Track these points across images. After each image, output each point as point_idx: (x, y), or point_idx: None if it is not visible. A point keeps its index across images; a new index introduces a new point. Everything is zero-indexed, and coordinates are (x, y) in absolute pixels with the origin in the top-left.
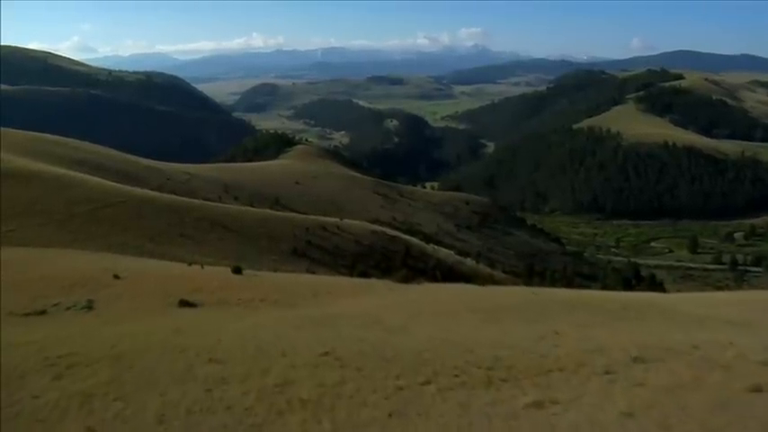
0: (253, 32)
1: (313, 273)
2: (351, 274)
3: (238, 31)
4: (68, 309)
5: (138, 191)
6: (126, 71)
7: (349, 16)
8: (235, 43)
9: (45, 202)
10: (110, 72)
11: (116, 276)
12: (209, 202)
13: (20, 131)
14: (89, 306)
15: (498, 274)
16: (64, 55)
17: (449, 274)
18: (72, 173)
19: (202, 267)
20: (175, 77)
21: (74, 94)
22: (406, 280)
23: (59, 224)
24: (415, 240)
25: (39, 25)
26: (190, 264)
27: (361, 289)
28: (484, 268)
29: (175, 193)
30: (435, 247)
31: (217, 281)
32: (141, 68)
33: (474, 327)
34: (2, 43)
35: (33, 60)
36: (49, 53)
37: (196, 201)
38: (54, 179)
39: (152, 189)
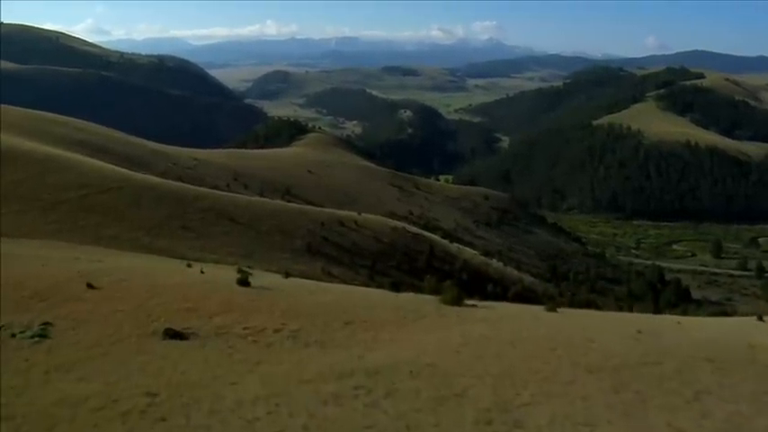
0: (267, 20)
1: (329, 273)
2: (371, 276)
3: (252, 18)
4: (15, 336)
5: (138, 176)
6: (138, 54)
7: (363, 6)
8: (248, 30)
9: (29, 186)
10: (121, 54)
11: (90, 285)
12: (216, 191)
13: (18, 108)
14: (43, 334)
15: (527, 277)
16: (77, 36)
17: (476, 276)
18: (67, 154)
19: (202, 272)
20: (187, 62)
21: (84, 74)
22: (458, 300)
23: (42, 212)
24: (438, 239)
25: (52, 6)
26: (189, 264)
27: (405, 313)
28: (511, 271)
29: (181, 180)
30: (460, 246)
31: (217, 296)
32: (155, 52)
33: (603, 409)
34: (13, 22)
35: (44, 40)
36: (61, 33)
37: (202, 189)
38: (43, 161)
39: (156, 174)
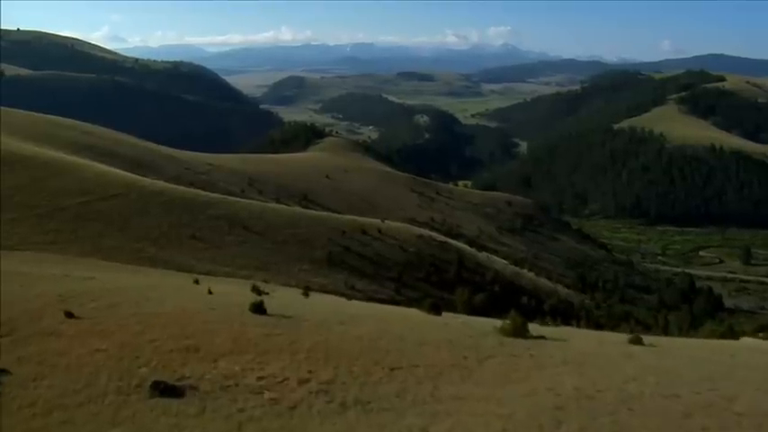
0: (282, 26)
1: (352, 287)
2: (398, 290)
3: (267, 25)
4: None
5: (145, 181)
6: (153, 60)
7: (377, 12)
8: (263, 36)
9: (27, 193)
10: (136, 60)
11: (69, 314)
12: (229, 197)
13: (24, 112)
14: None
15: (561, 288)
16: (93, 43)
17: (509, 288)
18: (71, 158)
19: (210, 292)
20: (202, 67)
21: (99, 80)
22: (522, 330)
23: (38, 220)
24: (466, 247)
25: (69, 14)
26: (196, 280)
27: (463, 350)
28: (545, 282)
29: (193, 186)
30: (489, 255)
31: (225, 328)
32: (170, 59)
33: None
34: (29, 29)
35: (59, 46)
36: (76, 39)
37: (214, 195)
38: (44, 165)
39: (167, 180)
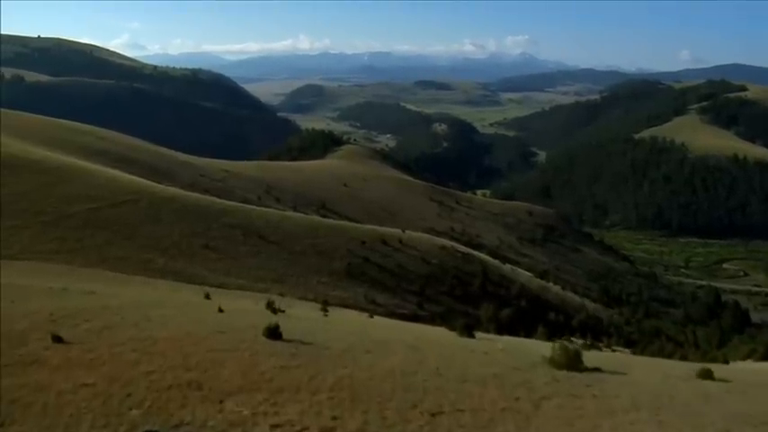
0: (299, 35)
1: (373, 300)
2: (420, 304)
3: (285, 33)
4: None
5: (158, 187)
6: (172, 67)
7: (395, 21)
8: (281, 45)
9: (33, 199)
10: (155, 67)
11: (57, 338)
12: (245, 205)
13: (39, 116)
14: None
15: (588, 303)
16: (112, 49)
17: (536, 302)
18: (80, 163)
19: (220, 310)
20: (220, 75)
21: (117, 86)
22: (576, 362)
23: (43, 228)
24: (490, 259)
25: (89, 22)
26: (207, 295)
27: (513, 389)
28: (572, 296)
29: (208, 193)
30: (514, 267)
31: (235, 358)
32: (189, 67)
33: None
34: (48, 35)
35: (78, 53)
36: (95, 46)
37: (230, 202)
38: (53, 170)
39: (182, 187)
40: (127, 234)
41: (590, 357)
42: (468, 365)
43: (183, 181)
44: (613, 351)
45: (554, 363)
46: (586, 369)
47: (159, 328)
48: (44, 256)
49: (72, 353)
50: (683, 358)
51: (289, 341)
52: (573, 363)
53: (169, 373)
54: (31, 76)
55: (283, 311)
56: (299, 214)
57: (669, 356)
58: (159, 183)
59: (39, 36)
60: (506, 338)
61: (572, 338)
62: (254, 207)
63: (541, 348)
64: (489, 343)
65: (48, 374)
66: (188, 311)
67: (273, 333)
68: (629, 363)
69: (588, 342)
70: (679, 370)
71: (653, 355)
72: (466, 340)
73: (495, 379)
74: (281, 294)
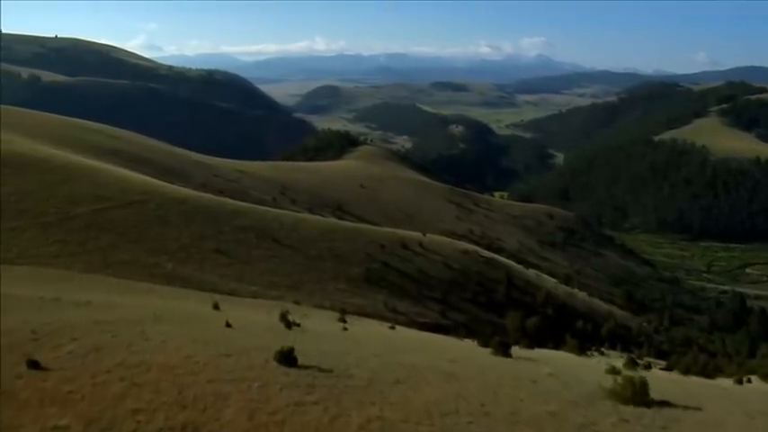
0: (316, 36)
1: (394, 309)
2: (443, 312)
3: (301, 35)
4: None
5: (169, 188)
6: (188, 68)
7: (411, 23)
8: (298, 46)
9: (36, 199)
10: (170, 67)
11: (33, 363)
12: (259, 206)
13: (51, 115)
14: None
15: (616, 310)
16: (129, 50)
17: (562, 310)
18: (89, 162)
19: (228, 325)
20: (236, 76)
21: (133, 86)
22: (642, 394)
23: (44, 229)
24: (514, 264)
25: (106, 23)
26: (216, 305)
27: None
28: (599, 304)
29: (222, 194)
30: (539, 273)
31: (240, 390)
32: (205, 68)
33: None
34: (65, 36)
35: (94, 53)
36: (111, 46)
37: (243, 204)
38: (58, 168)
39: (194, 188)
40: (133, 237)
41: (657, 384)
42: (517, 400)
43: (196, 181)
44: (649, 365)
45: (617, 396)
46: (654, 402)
47: (155, 349)
48: (43, 260)
49: (48, 383)
50: (718, 369)
51: (305, 367)
52: (639, 396)
53: (160, 412)
54: (48, 76)
55: (298, 325)
56: (315, 216)
57: (704, 368)
58: (171, 183)
59: (56, 36)
60: (545, 353)
61: (602, 349)
62: (268, 209)
63: (588, 367)
64: (532, 365)
65: (14, 412)
66: (191, 327)
67: (287, 358)
68: (695, 392)
69: (623, 355)
70: (755, 402)
71: (688, 367)
72: (502, 360)
73: (552, 419)
74: (297, 302)
